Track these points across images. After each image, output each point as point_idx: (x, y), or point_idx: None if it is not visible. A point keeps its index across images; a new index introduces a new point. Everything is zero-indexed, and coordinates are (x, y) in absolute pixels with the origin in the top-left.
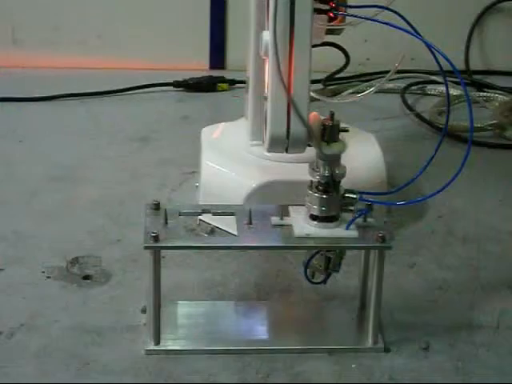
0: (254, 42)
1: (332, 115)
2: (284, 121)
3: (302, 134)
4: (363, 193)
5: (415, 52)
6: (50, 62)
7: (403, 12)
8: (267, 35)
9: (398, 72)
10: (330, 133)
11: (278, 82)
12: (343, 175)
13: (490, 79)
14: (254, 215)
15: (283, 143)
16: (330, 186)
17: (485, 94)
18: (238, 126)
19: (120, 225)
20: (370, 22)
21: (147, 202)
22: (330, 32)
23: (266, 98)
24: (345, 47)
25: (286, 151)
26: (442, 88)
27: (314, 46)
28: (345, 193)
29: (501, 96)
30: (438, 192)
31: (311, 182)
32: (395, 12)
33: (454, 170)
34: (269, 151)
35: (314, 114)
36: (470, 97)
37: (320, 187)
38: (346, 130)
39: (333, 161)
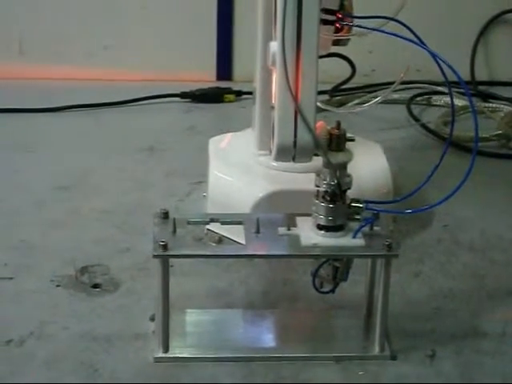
0: (261, 53)
1: (338, 124)
2: (291, 130)
3: (309, 143)
4: (369, 202)
5: (421, 63)
6: (57, 74)
7: (409, 23)
8: (275, 46)
9: (404, 83)
10: (336, 142)
11: (285, 92)
12: (350, 184)
13: (495, 90)
14: (262, 224)
15: (290, 152)
16: (336, 195)
17: (490, 104)
18: (245, 136)
19: (128, 234)
20: (375, 32)
21: (155, 211)
22: (336, 43)
23: (273, 108)
24: (350, 58)
25: (293, 160)
26: (448, 99)
27: (321, 56)
28: (351, 202)
29: (506, 106)
30: (445, 200)
31: (317, 191)
32: (401, 23)
33: (460, 179)
34: (276, 160)
35: (320, 123)
36: (476, 107)
37: (326, 196)
38: (353, 140)
39: (339, 170)
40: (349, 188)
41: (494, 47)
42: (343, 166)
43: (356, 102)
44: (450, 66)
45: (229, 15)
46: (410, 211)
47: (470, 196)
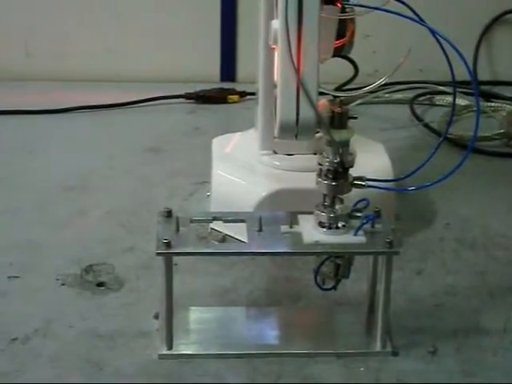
0: (264, 53)
1: (341, 102)
2: (293, 107)
3: (311, 120)
4: (371, 180)
5: (423, 63)
6: (62, 75)
7: (411, 23)
8: (276, 23)
9: (407, 83)
10: (338, 119)
11: (287, 68)
12: (352, 162)
13: (498, 89)
14: (265, 222)
15: (293, 130)
16: (339, 172)
17: (492, 103)
18: (248, 136)
19: (132, 233)
20: (379, 33)
21: (159, 211)
22: (338, 50)
23: (275, 86)
24: (354, 58)
25: (296, 138)
26: (450, 98)
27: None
28: (354, 180)
29: (508, 106)
30: (446, 177)
31: (320, 169)
32: (402, 2)
33: (461, 177)
34: (279, 138)
35: (323, 101)
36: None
37: (329, 174)
38: (355, 117)
39: (342, 147)
40: (351, 166)
41: (496, 47)
42: (346, 144)
43: (358, 102)
44: (451, 44)
45: (232, 16)
46: (414, 188)
47: (472, 194)
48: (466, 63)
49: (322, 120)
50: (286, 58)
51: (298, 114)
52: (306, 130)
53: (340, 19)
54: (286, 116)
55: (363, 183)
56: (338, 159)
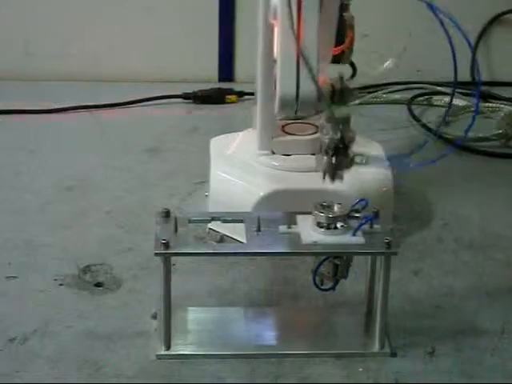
0: (262, 54)
1: (341, 78)
2: (293, 81)
3: (312, 94)
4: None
5: (421, 64)
6: (61, 75)
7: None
8: None
9: (405, 83)
10: (339, 95)
11: (287, 42)
12: (353, 138)
13: (496, 90)
14: (263, 222)
15: (293, 105)
16: (339, 149)
17: (490, 104)
18: (246, 136)
19: (131, 233)
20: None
21: (157, 211)
22: (337, 58)
23: (275, 62)
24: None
25: (296, 113)
26: (448, 99)
27: None
28: (354, 156)
29: (506, 106)
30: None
31: (320, 146)
32: None
33: (459, 177)
34: (279, 114)
35: (323, 76)
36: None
37: (329, 151)
38: (356, 94)
39: (343, 123)
40: (351, 142)
41: (494, 48)
42: (346, 120)
43: (357, 102)
44: (456, 24)
45: (230, 16)
46: (418, 164)
47: (470, 195)
48: (467, 41)
49: (322, 94)
50: (286, 31)
51: (298, 88)
52: (306, 105)
53: (339, 27)
54: (286, 90)
55: (363, 160)
56: (339, 135)
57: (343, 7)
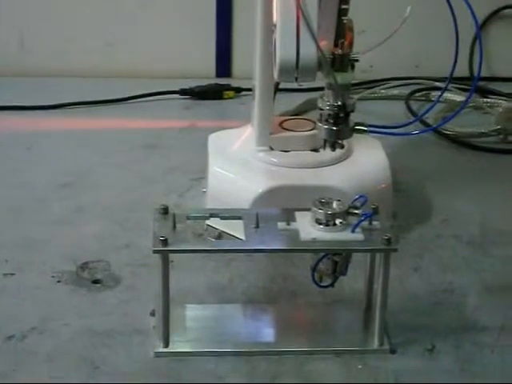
0: (260, 49)
1: (342, 44)
2: (293, 46)
3: (312, 59)
4: (374, 126)
5: (419, 59)
6: (58, 71)
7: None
8: None
9: (403, 79)
10: (340, 61)
11: (287, 6)
12: (354, 106)
13: (494, 85)
14: (261, 219)
15: (293, 71)
16: (340, 117)
17: (489, 99)
18: (244, 132)
19: (128, 230)
20: (374, 28)
21: (155, 207)
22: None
23: (274, 27)
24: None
25: (296, 80)
26: (446, 94)
27: None
28: (355, 125)
29: (504, 102)
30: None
31: (320, 114)
32: None
33: (458, 173)
34: (279, 80)
35: (323, 42)
36: (474, 103)
37: (330, 119)
38: (357, 60)
39: (344, 90)
40: (352, 110)
41: (492, 43)
42: (347, 87)
43: (356, 97)
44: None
45: (228, 11)
46: (418, 131)
47: (468, 191)
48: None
49: (324, 58)
50: None
51: (298, 53)
52: (306, 71)
53: (338, 29)
54: (286, 56)
55: (365, 128)
56: (340, 103)
57: (342, 11)
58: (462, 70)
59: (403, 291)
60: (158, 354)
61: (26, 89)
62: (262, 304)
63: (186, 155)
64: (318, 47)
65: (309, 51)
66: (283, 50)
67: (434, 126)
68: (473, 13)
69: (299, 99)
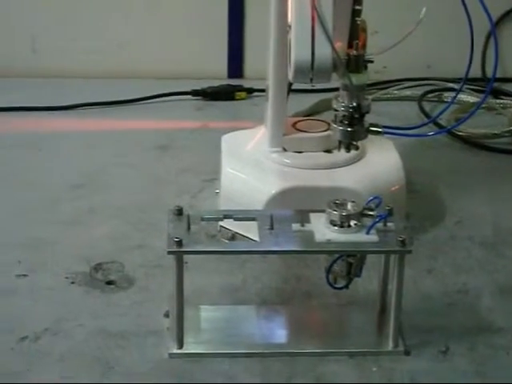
0: (274, 48)
1: (356, 45)
2: (308, 47)
3: (328, 60)
4: (388, 127)
5: (431, 60)
6: (70, 72)
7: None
8: None
9: (415, 80)
10: (355, 62)
11: (303, 7)
12: (369, 107)
13: (507, 86)
14: (276, 220)
15: (308, 72)
16: (355, 118)
17: (501, 101)
18: (257, 133)
19: (142, 231)
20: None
21: (168, 208)
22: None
23: (289, 28)
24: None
25: (311, 81)
26: (459, 95)
27: None
28: (369, 126)
29: None
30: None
31: (335, 115)
32: None
33: (471, 175)
34: (294, 81)
35: (338, 43)
36: (487, 104)
37: (345, 120)
38: (371, 61)
39: (359, 91)
40: (368, 112)
41: (505, 44)
42: (362, 88)
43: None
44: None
45: (240, 12)
46: (433, 133)
47: (482, 192)
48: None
49: (339, 59)
50: None
51: (313, 54)
52: (321, 72)
53: (351, 30)
54: (302, 57)
55: (379, 129)
56: (355, 104)
57: (355, 12)
58: (474, 71)
59: (417, 292)
60: (172, 356)
61: (38, 90)
62: (276, 305)
63: (198, 156)
64: (334, 48)
65: (324, 52)
66: (298, 51)
67: (449, 127)
68: (488, 13)
69: (311, 100)
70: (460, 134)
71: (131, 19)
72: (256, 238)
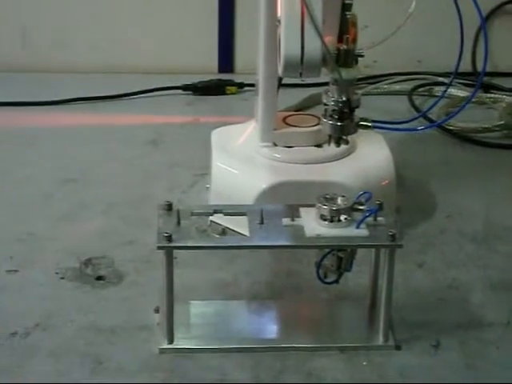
0: (264, 42)
1: (347, 39)
2: (298, 42)
3: (317, 54)
4: (378, 121)
5: (422, 54)
6: (60, 67)
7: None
8: None
9: (405, 74)
10: (344, 57)
11: (291, 1)
12: (359, 102)
13: (497, 81)
14: (266, 215)
15: (297, 66)
16: (344, 113)
17: (492, 95)
18: (247, 128)
19: (132, 226)
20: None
21: (158, 203)
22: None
23: (278, 22)
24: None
25: (300, 76)
26: (449, 89)
27: None
28: (360, 121)
29: (508, 97)
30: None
31: (325, 109)
32: None
33: (462, 169)
34: (283, 75)
35: (328, 37)
36: (478, 98)
37: (334, 115)
38: (362, 55)
39: (349, 86)
40: (357, 106)
41: (495, 38)
42: (352, 82)
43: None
44: None
45: (230, 7)
46: (423, 127)
47: (473, 186)
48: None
49: (329, 54)
50: None
51: (303, 49)
52: (311, 67)
53: (342, 24)
54: (291, 51)
55: (369, 124)
56: (345, 98)
57: (346, 6)
58: (464, 65)
59: (408, 287)
60: (163, 351)
61: (29, 85)
62: (267, 300)
63: (188, 151)
64: (323, 42)
65: (314, 46)
66: (288, 46)
67: (439, 121)
68: (478, 7)
69: (301, 94)
70: (450, 128)
71: (122, 14)
72: (247, 233)
